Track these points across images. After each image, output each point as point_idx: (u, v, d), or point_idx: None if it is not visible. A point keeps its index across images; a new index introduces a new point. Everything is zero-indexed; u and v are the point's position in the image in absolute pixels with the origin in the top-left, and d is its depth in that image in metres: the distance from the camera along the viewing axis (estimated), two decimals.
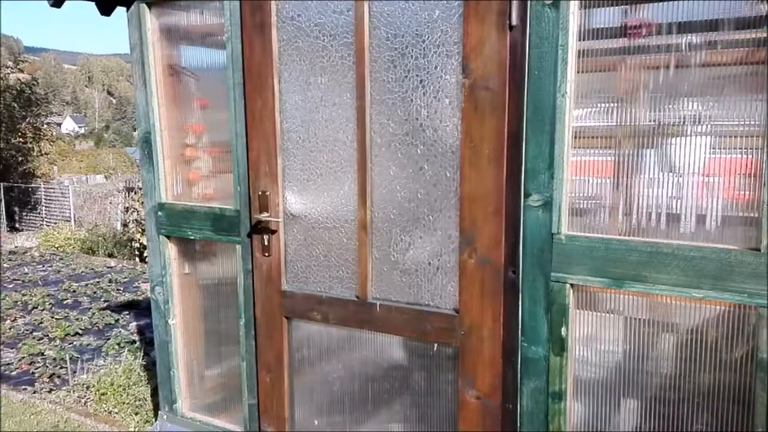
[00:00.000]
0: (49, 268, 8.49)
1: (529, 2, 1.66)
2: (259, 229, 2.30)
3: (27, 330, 5.43)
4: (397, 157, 1.98)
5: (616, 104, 1.71)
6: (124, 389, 3.79)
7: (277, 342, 2.34)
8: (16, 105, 16.11)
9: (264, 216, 2.25)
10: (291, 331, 2.33)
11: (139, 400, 3.71)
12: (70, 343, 5.02)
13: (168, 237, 2.67)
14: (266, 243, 2.29)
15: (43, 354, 4.73)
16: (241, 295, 2.42)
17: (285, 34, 2.14)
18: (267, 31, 2.14)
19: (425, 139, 1.91)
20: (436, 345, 2.00)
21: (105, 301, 6.45)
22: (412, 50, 1.89)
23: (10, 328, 5.47)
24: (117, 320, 5.68)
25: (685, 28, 1.58)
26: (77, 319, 5.70)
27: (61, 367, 4.39)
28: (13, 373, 4.41)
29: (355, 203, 2.09)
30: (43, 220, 14.95)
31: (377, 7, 1.93)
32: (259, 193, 2.26)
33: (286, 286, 2.30)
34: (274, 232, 2.28)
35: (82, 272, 8.16)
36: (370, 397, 2.21)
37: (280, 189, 2.25)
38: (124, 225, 10.82)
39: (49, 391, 4.01)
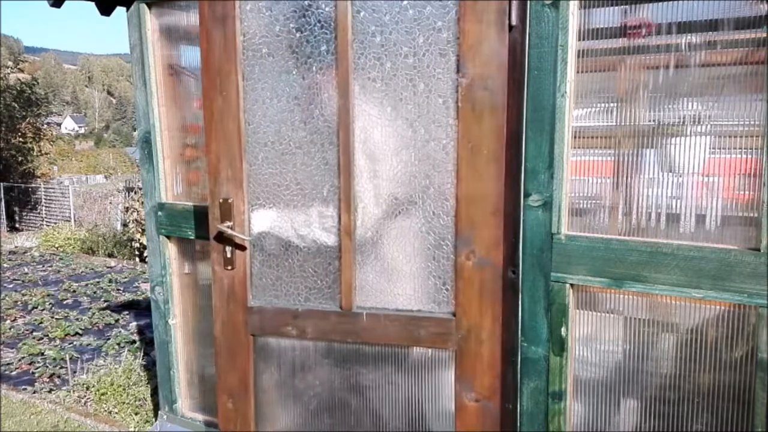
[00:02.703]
0: (49, 268, 8.50)
1: (528, 2, 1.66)
2: (221, 239, 2.10)
3: (27, 330, 5.43)
4: (385, 158, 1.90)
5: (616, 104, 1.71)
6: (124, 389, 3.79)
7: (241, 363, 2.15)
8: (16, 105, 16.13)
9: (227, 226, 2.06)
10: (257, 351, 2.14)
11: (139, 400, 3.71)
12: (70, 343, 5.02)
13: (168, 237, 2.67)
14: (229, 255, 2.09)
15: (43, 354, 4.73)
16: None
17: (252, 27, 1.98)
18: (230, 23, 1.98)
19: (416, 139, 1.86)
20: (430, 351, 1.94)
21: (105, 301, 6.45)
22: (402, 48, 1.82)
23: (10, 328, 5.48)
24: (117, 320, 5.69)
25: (685, 28, 1.58)
26: (77, 319, 5.70)
27: (61, 367, 4.40)
28: (13, 373, 4.41)
29: (337, 208, 1.97)
30: (43, 220, 14.95)
31: None
32: (221, 200, 2.07)
33: (253, 302, 2.12)
34: (237, 242, 2.09)
35: (82, 272, 8.16)
36: (353, 411, 2.08)
37: (246, 195, 2.06)
38: (124, 225, 10.82)
39: (49, 391, 4.01)
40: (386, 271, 1.95)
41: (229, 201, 2.06)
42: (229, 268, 2.10)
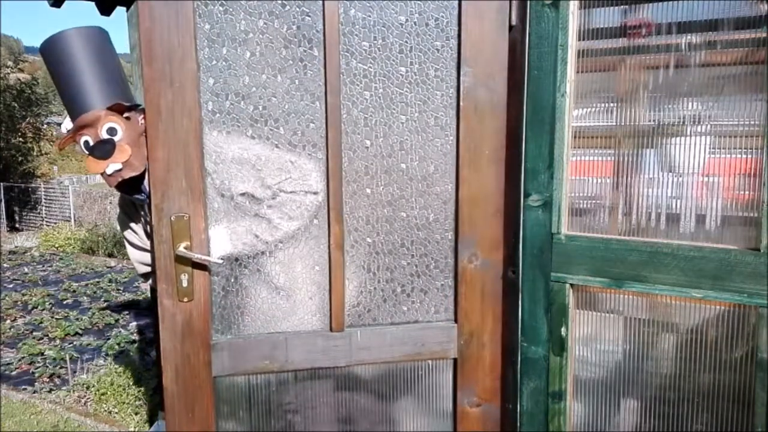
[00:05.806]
0: (49, 268, 8.50)
1: (528, 2, 1.66)
2: (175, 265, 1.71)
3: (27, 330, 5.44)
4: (380, 161, 1.79)
5: (616, 104, 1.71)
6: (124, 389, 3.80)
7: (202, 413, 1.78)
8: (16, 105, 16.15)
9: (183, 248, 1.68)
10: (222, 395, 1.83)
11: (139, 400, 3.71)
12: (70, 343, 5.02)
13: None
14: (185, 284, 1.72)
15: (43, 354, 4.74)
16: None
17: (210, 6, 1.66)
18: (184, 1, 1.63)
19: (412, 140, 1.80)
20: (430, 361, 1.88)
21: (105, 301, 6.46)
22: (397, 43, 1.73)
23: (10, 328, 5.48)
24: (117, 320, 5.69)
25: (685, 28, 1.58)
26: (77, 319, 5.70)
27: (61, 367, 4.40)
28: (13, 373, 4.42)
29: (324, 218, 1.78)
30: (43, 220, 14.96)
31: None
32: (172, 217, 1.68)
33: (217, 337, 1.78)
34: (196, 266, 1.73)
35: (82, 272, 8.17)
36: None
37: (205, 210, 1.72)
38: None
39: (49, 391, 4.02)
40: (380, 283, 1.86)
41: (185, 217, 1.70)
42: (186, 300, 1.73)
